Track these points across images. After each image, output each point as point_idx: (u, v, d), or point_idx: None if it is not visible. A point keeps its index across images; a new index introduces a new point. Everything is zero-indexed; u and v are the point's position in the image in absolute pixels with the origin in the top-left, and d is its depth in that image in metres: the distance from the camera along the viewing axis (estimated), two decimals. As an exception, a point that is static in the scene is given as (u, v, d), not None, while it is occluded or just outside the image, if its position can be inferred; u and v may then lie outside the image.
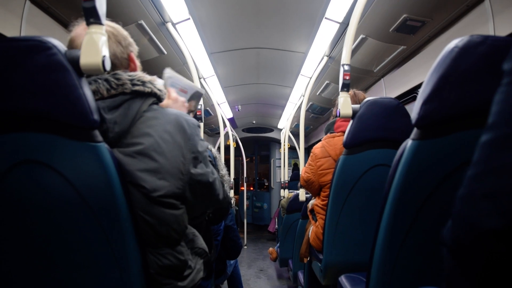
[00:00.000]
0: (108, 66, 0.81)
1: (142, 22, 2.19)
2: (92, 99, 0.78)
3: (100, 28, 0.82)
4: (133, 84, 0.89)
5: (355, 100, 1.86)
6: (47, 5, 1.76)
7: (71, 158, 0.78)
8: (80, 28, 0.96)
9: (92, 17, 0.80)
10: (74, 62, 0.76)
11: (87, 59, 0.77)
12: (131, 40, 1.02)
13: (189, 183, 0.91)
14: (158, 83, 0.97)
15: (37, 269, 0.84)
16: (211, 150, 1.62)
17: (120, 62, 0.96)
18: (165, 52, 2.65)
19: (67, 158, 0.78)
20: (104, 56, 0.80)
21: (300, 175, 2.05)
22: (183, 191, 0.90)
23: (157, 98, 0.96)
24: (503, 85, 0.35)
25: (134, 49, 1.02)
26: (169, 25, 2.36)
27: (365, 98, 1.82)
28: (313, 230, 1.92)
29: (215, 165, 1.16)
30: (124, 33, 1.00)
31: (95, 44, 0.79)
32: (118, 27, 0.99)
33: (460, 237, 0.37)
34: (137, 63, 1.02)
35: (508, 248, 0.31)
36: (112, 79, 0.87)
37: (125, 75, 0.89)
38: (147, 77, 0.93)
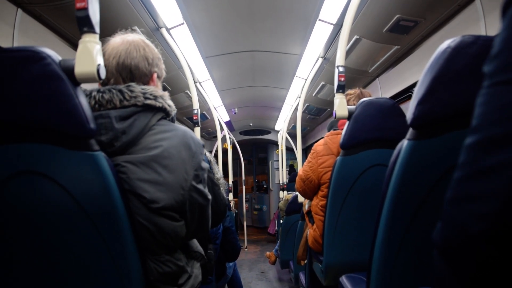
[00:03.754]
0: (103, 74, 0.82)
1: (136, 28, 2.18)
2: (88, 108, 0.78)
3: (94, 37, 0.82)
4: (146, 98, 0.91)
5: (361, 98, 1.85)
6: (40, 13, 1.76)
7: (68, 168, 0.78)
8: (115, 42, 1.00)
9: (85, 26, 0.80)
10: (69, 71, 0.76)
11: (81, 68, 0.77)
12: (160, 63, 1.05)
13: (188, 199, 0.92)
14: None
15: (37, 277, 0.83)
16: (205, 154, 1.62)
17: (140, 75, 0.98)
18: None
19: (64, 168, 0.78)
20: (99, 65, 0.80)
21: (298, 175, 2.03)
22: (182, 206, 0.90)
23: (166, 114, 0.98)
24: (484, 87, 0.36)
25: (160, 72, 1.05)
26: (163, 30, 2.36)
27: (370, 96, 1.81)
28: (310, 233, 1.90)
29: (210, 169, 1.16)
30: (156, 55, 1.04)
31: (90, 53, 0.79)
32: (151, 46, 1.04)
33: (449, 239, 0.37)
34: (158, 84, 1.05)
35: (493, 250, 0.32)
36: (126, 90, 0.90)
37: (138, 88, 0.92)
38: (159, 92, 0.96)
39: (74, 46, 2.09)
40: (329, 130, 1.96)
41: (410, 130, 0.84)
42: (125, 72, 0.96)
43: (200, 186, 0.95)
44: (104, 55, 0.96)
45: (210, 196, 1.01)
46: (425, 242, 0.91)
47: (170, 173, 0.88)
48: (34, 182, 0.78)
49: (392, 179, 0.87)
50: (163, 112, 0.96)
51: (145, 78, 1.00)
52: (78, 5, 0.79)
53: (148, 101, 0.91)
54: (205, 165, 0.99)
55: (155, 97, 0.93)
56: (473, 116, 0.37)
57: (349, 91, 1.86)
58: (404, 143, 0.85)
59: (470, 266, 0.34)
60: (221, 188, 1.22)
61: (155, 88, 0.96)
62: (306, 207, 2.16)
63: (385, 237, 0.91)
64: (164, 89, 2.43)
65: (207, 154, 1.53)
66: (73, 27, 1.94)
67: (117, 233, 0.82)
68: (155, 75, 1.02)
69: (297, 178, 2.01)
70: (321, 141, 1.88)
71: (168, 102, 0.97)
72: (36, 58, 0.74)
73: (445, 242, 0.38)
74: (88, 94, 0.88)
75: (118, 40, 0.99)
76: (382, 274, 0.93)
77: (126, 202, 0.83)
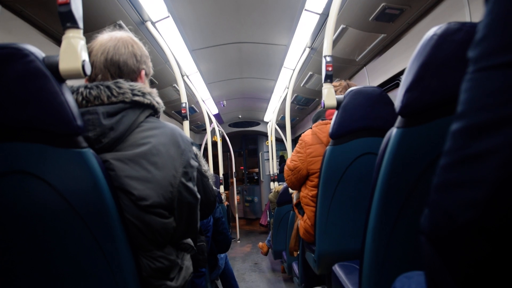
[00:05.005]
0: (88, 70, 0.80)
1: (121, 22, 2.15)
2: (74, 104, 0.76)
3: (78, 32, 0.80)
4: (134, 94, 0.91)
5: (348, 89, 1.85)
6: (20, 8, 1.71)
7: (56, 166, 0.77)
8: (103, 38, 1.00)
9: (68, 21, 0.79)
10: (53, 68, 0.74)
11: (66, 64, 0.75)
12: (148, 61, 1.06)
13: (177, 197, 0.92)
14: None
15: (29, 276, 0.82)
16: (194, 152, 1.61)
17: (128, 72, 0.99)
18: (146, 51, 2.58)
19: (52, 166, 0.77)
20: (84, 61, 0.78)
21: (286, 165, 2.04)
22: (170, 203, 0.90)
23: (154, 111, 0.98)
24: (469, 73, 0.35)
25: (148, 69, 1.06)
26: (149, 24, 2.32)
27: None
28: (301, 224, 1.91)
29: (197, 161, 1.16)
30: (144, 52, 1.05)
31: (74, 48, 0.78)
32: (140, 44, 1.04)
33: (436, 227, 0.37)
34: (146, 82, 1.06)
35: (482, 238, 0.32)
36: (114, 87, 0.89)
37: (126, 84, 0.91)
38: (147, 89, 0.96)
39: (58, 42, 2.04)
40: (315, 122, 1.96)
41: (399, 118, 0.85)
42: (114, 68, 0.96)
43: (190, 184, 0.96)
44: (92, 51, 0.96)
45: (199, 196, 1.01)
46: (417, 229, 0.93)
47: (158, 170, 0.88)
48: (22, 182, 0.76)
49: (382, 167, 0.88)
50: (152, 109, 0.97)
51: (133, 74, 1.00)
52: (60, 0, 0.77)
53: (136, 98, 0.91)
54: (194, 163, 0.99)
55: (143, 94, 0.93)
56: (458, 102, 0.36)
57: (335, 83, 1.85)
58: (393, 131, 0.86)
59: (459, 254, 0.34)
60: (209, 180, 1.23)
61: (143, 85, 0.96)
62: (294, 200, 2.17)
63: (376, 224, 0.92)
64: (152, 83, 2.40)
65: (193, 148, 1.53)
66: (56, 22, 1.89)
67: (109, 231, 0.81)
68: (143, 72, 1.03)
69: (285, 167, 2.03)
70: (308, 131, 1.88)
71: (156, 99, 0.98)
72: (19, 55, 0.72)
73: (433, 229, 0.38)
74: (75, 90, 0.87)
75: (106, 36, 0.99)
76: (374, 262, 0.94)
77: (116, 199, 0.82)
